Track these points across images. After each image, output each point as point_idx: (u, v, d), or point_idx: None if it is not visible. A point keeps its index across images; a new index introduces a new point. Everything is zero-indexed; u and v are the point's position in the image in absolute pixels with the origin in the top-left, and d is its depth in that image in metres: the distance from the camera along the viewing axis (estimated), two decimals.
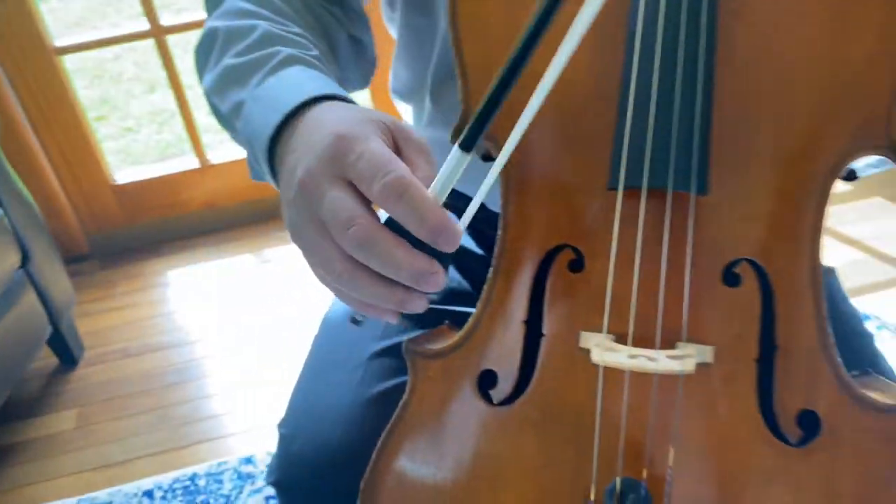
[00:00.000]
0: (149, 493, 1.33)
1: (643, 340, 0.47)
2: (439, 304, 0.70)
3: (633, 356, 0.45)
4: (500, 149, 0.44)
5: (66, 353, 1.65)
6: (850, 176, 0.60)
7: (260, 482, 1.32)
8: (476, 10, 0.51)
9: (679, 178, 0.46)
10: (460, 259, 0.74)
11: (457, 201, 0.80)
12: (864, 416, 0.49)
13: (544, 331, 0.51)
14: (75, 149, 1.89)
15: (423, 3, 0.70)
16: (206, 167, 2.01)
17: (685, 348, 0.46)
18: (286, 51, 0.55)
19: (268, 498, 1.29)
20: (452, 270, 0.73)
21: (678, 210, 0.47)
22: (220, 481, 1.34)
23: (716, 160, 0.47)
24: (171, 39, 1.83)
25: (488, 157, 0.55)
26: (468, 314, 0.54)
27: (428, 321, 0.58)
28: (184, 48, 3.46)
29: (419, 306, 0.44)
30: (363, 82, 0.76)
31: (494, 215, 0.56)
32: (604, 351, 0.46)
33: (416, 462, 0.54)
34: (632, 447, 0.47)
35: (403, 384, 0.56)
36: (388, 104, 2.00)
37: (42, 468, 1.43)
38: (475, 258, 0.75)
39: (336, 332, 0.72)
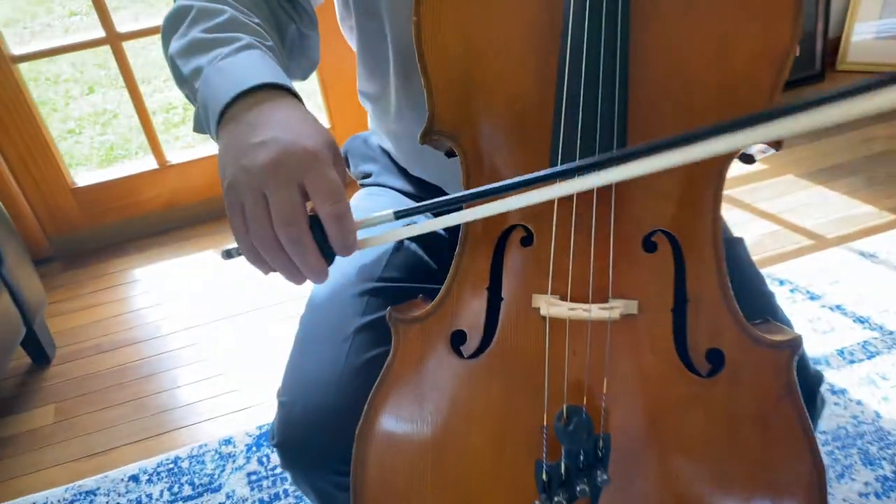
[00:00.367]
0: (135, 478, 1.41)
1: (580, 298, 0.60)
2: (411, 283, 0.81)
3: (572, 309, 0.58)
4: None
5: (40, 352, 1.70)
6: (749, 160, 0.74)
7: (242, 459, 1.41)
8: (440, 41, 0.62)
9: None
10: (427, 242, 0.85)
11: (423, 192, 0.92)
12: (759, 352, 0.62)
13: (503, 295, 0.63)
14: (34, 153, 1.93)
15: (369, 6, 0.81)
16: (164, 168, 2.06)
17: (614, 302, 0.59)
18: (247, 38, 0.66)
19: (249, 474, 1.39)
20: (422, 251, 0.84)
21: (603, 193, 0.59)
22: (203, 462, 1.42)
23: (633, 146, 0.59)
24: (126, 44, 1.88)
25: (451, 154, 0.67)
26: (437, 289, 0.66)
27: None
28: (136, 52, 3.45)
29: (299, 283, 0.58)
30: (303, 76, 0.87)
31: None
32: (549, 307, 0.59)
33: (401, 408, 0.66)
34: (574, 381, 0.60)
35: (385, 353, 0.67)
36: (341, 102, 2.08)
37: (26, 461, 1.49)
38: (440, 240, 0.86)
39: (321, 311, 0.82)
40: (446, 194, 0.89)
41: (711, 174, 0.62)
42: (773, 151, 0.66)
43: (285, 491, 1.35)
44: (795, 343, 0.62)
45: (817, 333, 1.53)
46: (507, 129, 0.63)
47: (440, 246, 0.85)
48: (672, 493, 0.62)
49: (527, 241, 0.63)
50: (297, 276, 0.57)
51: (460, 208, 0.56)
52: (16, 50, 1.82)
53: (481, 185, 0.64)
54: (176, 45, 0.68)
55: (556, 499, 0.58)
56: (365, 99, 0.94)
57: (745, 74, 0.60)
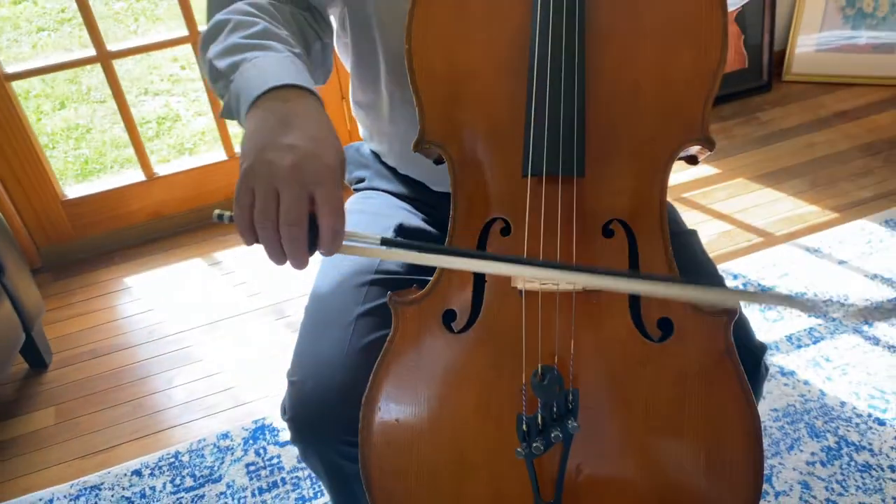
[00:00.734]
0: (137, 472, 1.50)
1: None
2: (405, 276, 0.92)
3: (543, 283, 0.69)
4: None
5: (37, 357, 1.77)
6: (693, 160, 0.87)
7: (240, 452, 1.51)
8: (428, 66, 0.74)
9: (565, 166, 0.71)
10: (420, 238, 0.96)
11: (411, 190, 1.04)
12: (702, 319, 0.74)
13: (486, 278, 0.75)
14: (25, 167, 2.00)
15: (363, 30, 0.93)
16: (152, 179, 2.15)
17: None
18: (280, 45, 0.75)
19: (248, 465, 1.48)
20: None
21: (566, 188, 0.71)
22: (202, 455, 1.51)
23: (590, 153, 0.72)
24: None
25: (439, 161, 0.78)
26: (428, 280, 0.77)
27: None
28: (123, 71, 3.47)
29: (280, 264, 0.65)
30: (322, 82, 0.98)
31: (438, 194, 0.90)
32: (525, 283, 0.70)
33: (401, 378, 0.77)
34: (546, 345, 0.71)
35: (384, 336, 0.78)
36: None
37: (31, 461, 1.56)
38: (431, 237, 0.97)
39: (324, 301, 0.93)
40: (432, 192, 1.02)
41: (656, 175, 0.74)
42: (709, 153, 0.79)
43: (282, 479, 1.44)
44: (732, 311, 0.74)
45: (768, 322, 1.68)
46: (486, 138, 0.75)
47: (431, 240, 0.96)
48: (633, 439, 0.74)
49: (505, 231, 0.75)
50: (281, 259, 0.64)
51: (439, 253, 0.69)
52: (9, 68, 1.90)
53: (467, 186, 0.76)
54: (214, 49, 0.78)
55: (534, 444, 0.70)
56: (358, 108, 1.06)
57: (683, 87, 0.73)
